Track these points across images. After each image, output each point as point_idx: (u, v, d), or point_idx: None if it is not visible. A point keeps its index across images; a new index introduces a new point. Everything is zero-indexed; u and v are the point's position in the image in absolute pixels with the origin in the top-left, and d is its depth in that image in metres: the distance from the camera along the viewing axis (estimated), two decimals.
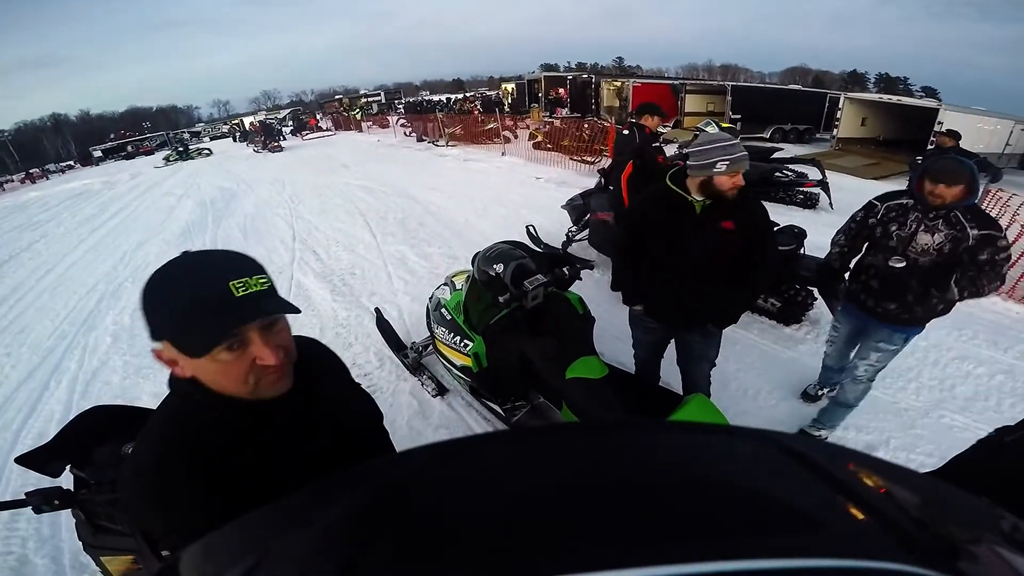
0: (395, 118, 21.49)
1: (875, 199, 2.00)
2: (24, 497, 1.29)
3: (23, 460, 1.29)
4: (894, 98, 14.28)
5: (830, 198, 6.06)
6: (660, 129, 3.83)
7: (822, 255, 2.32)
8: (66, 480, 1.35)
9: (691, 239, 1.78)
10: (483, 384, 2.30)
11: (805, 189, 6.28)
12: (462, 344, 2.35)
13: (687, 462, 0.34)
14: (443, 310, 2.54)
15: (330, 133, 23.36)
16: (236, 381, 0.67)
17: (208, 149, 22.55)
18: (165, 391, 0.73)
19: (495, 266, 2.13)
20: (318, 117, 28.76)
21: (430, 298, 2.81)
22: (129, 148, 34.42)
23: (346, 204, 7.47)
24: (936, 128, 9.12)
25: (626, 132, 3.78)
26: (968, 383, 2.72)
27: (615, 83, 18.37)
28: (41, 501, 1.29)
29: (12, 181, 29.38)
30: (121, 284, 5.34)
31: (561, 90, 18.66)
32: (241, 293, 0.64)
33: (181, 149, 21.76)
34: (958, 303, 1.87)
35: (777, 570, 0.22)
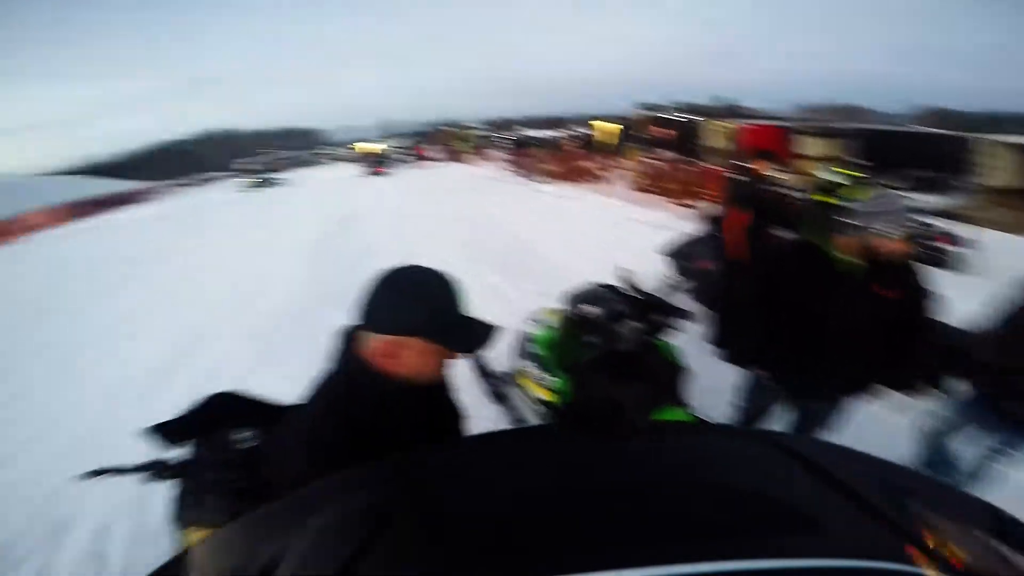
0: (496, 152, 22.62)
1: None
2: (148, 463, 1.47)
3: (159, 429, 1.44)
4: None
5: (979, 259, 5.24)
6: (775, 174, 3.59)
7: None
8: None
9: (839, 303, 1.63)
10: (562, 422, 2.28)
11: (941, 245, 5.50)
12: (546, 380, 2.36)
13: (688, 464, 0.34)
14: (531, 344, 2.57)
15: (439, 164, 25.21)
16: (424, 365, 0.84)
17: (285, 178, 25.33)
18: None
19: (589, 306, 2.13)
20: (428, 147, 31.14)
21: (518, 331, 2.87)
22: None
23: (449, 232, 8.00)
24: None
25: (738, 177, 3.59)
26: None
27: (722, 124, 17.72)
28: (163, 469, 1.47)
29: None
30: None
31: (663, 130, 18.37)
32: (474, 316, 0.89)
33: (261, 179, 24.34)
34: None
35: (777, 570, 0.23)
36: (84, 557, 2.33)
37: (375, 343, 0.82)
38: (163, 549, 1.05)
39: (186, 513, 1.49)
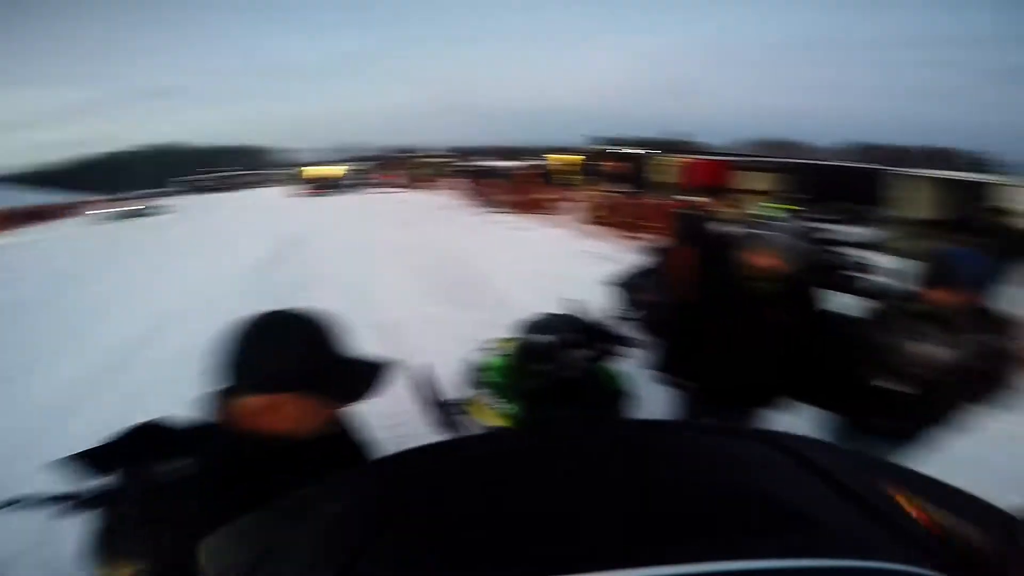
0: (450, 181, 22.84)
1: None
2: (63, 493, 1.33)
3: (82, 456, 1.28)
4: (960, 175, 13.48)
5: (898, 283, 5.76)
6: (717, 208, 3.85)
7: None
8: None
9: (752, 326, 1.83)
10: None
11: (864, 276, 6.02)
12: (498, 408, 2.36)
13: (687, 464, 0.34)
14: (481, 372, 2.58)
15: (396, 190, 25.05)
16: (301, 423, 0.75)
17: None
18: None
19: (538, 335, 2.18)
20: (387, 173, 30.95)
21: (468, 360, 2.86)
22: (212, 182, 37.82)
23: (395, 262, 7.88)
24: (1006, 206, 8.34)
25: (681, 211, 3.81)
26: None
27: (669, 159, 18.53)
28: (79, 500, 1.32)
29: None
30: None
31: (616, 164, 18.97)
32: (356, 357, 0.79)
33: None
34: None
35: (777, 570, 0.22)
36: None
37: (244, 404, 0.73)
38: None
39: (106, 548, 1.40)
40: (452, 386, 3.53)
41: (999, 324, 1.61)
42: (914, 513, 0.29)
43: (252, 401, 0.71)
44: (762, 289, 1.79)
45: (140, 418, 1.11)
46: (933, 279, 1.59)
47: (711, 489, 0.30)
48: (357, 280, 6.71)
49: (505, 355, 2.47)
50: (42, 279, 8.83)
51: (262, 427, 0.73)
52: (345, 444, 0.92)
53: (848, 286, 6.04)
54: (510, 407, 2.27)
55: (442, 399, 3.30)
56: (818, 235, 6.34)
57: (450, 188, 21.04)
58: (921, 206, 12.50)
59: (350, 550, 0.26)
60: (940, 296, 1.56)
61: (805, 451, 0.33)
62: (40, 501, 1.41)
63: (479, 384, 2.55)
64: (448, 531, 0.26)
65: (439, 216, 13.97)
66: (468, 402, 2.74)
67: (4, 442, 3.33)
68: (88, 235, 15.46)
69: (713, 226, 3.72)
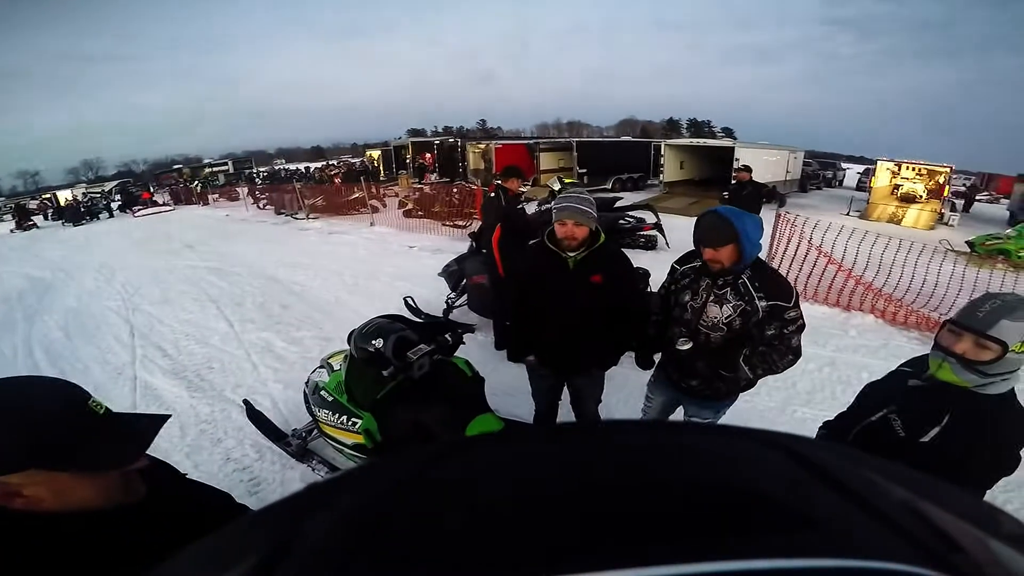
0: (245, 189, 20.01)
1: (676, 261, 1.89)
2: None
3: None
4: (701, 141, 17.44)
5: (666, 239, 7.14)
6: (522, 189, 4.05)
7: None
8: None
9: (568, 292, 1.97)
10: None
11: (645, 233, 7.35)
12: (350, 423, 2.27)
13: (686, 463, 0.34)
14: (323, 392, 2.43)
15: (168, 208, 20.56)
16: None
17: None
18: None
19: (374, 341, 2.13)
20: (152, 190, 25.23)
21: (307, 383, 2.67)
22: None
23: (193, 290, 6.60)
24: (735, 164, 10.55)
25: (492, 195, 3.95)
26: (805, 379, 3.39)
27: (479, 146, 19.31)
28: None
29: None
30: None
31: (428, 155, 19.02)
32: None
33: None
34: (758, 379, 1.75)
35: (776, 570, 0.22)
36: None
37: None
38: None
39: None
40: (294, 414, 3.23)
41: (770, 280, 1.64)
42: (915, 513, 0.30)
43: None
44: (575, 255, 1.90)
45: None
46: (703, 239, 1.64)
47: (710, 489, 0.30)
48: (151, 321, 5.48)
49: (345, 369, 2.36)
50: None
51: (28, 507, 0.64)
52: (159, 508, 0.79)
53: (635, 244, 7.29)
54: (362, 420, 2.19)
55: (284, 431, 2.98)
56: (605, 201, 7.38)
57: (240, 199, 18.34)
58: (674, 169, 15.70)
59: (343, 556, 0.25)
60: (711, 255, 1.61)
61: (804, 451, 0.35)
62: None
63: (323, 404, 2.39)
64: (439, 536, 0.26)
65: (233, 230, 12.00)
66: (319, 425, 2.54)
67: None
68: None
69: (521, 204, 4.01)
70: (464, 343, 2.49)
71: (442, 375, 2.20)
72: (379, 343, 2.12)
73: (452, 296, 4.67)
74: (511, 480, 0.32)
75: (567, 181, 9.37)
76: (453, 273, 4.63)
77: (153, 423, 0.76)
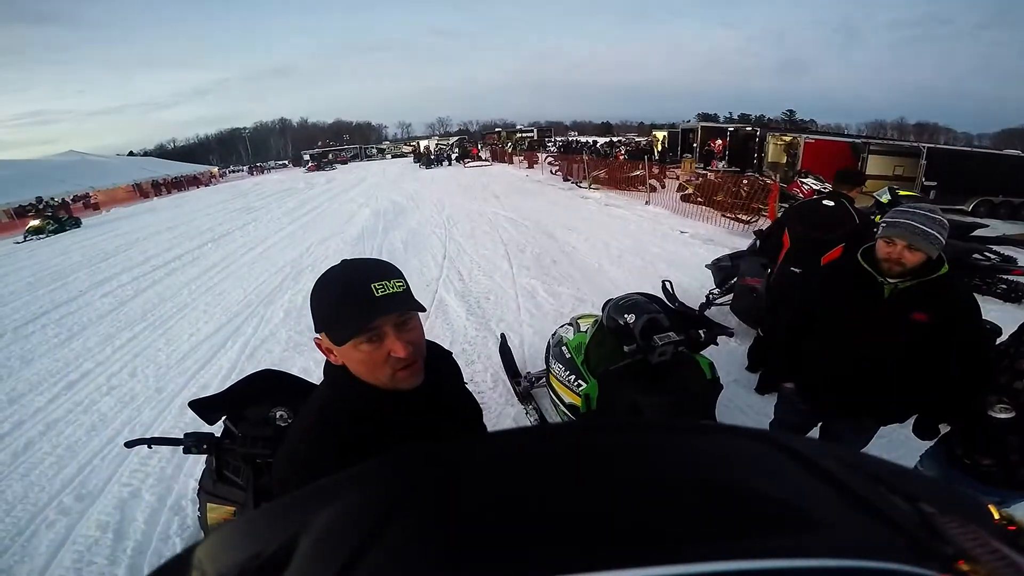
0: (544, 155, 22.81)
1: None
2: (182, 437, 1.53)
3: (194, 405, 1.52)
4: None
5: None
6: (843, 193, 3.04)
7: None
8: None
9: (872, 324, 1.57)
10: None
11: (1012, 277, 5.01)
12: (576, 384, 2.36)
13: (687, 463, 0.33)
14: (564, 347, 2.58)
15: (487, 164, 25.71)
16: (375, 370, 0.78)
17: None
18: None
19: (626, 315, 2.12)
20: (479, 147, 32.29)
21: (552, 335, 2.89)
22: (330, 156, 42.98)
23: (492, 232, 8.13)
24: None
25: (831, 204, 3.04)
26: None
27: (784, 138, 16.77)
28: (193, 443, 1.52)
29: (241, 171, 42.32)
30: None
31: (719, 141, 17.61)
32: (380, 293, 0.75)
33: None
34: None
35: (776, 570, 0.22)
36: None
37: (317, 340, 0.82)
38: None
39: (213, 488, 1.55)
40: (533, 359, 3.63)
41: None
42: (919, 515, 0.26)
43: (321, 343, 0.81)
44: (895, 282, 1.51)
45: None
46: None
47: (710, 489, 0.27)
48: (448, 246, 7.11)
49: (589, 333, 2.45)
50: None
51: (356, 373, 0.79)
52: (447, 407, 0.95)
53: (991, 289, 5.08)
54: (587, 384, 2.25)
55: (520, 371, 3.39)
56: (960, 226, 5.25)
57: (538, 163, 20.96)
58: None
59: (352, 548, 0.26)
60: None
61: (804, 450, 0.30)
62: (166, 441, 1.61)
63: (560, 359, 2.56)
64: (450, 530, 0.27)
65: (530, 189, 14.03)
66: (548, 375, 2.78)
67: None
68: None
69: (835, 212, 3.14)
70: (716, 344, 2.24)
71: (680, 368, 2.04)
72: (631, 318, 2.09)
73: (716, 292, 4.27)
74: (505, 482, 0.32)
75: (902, 194, 7.10)
76: (724, 268, 4.20)
77: (397, 298, 0.79)
